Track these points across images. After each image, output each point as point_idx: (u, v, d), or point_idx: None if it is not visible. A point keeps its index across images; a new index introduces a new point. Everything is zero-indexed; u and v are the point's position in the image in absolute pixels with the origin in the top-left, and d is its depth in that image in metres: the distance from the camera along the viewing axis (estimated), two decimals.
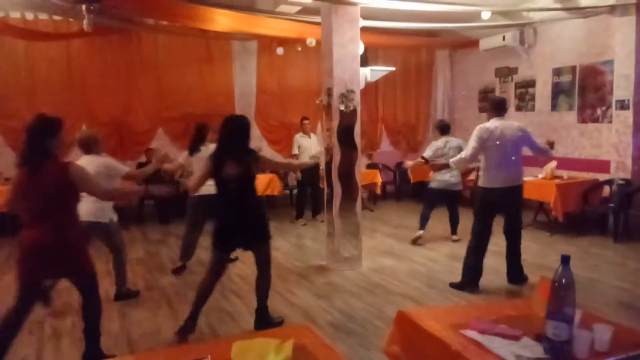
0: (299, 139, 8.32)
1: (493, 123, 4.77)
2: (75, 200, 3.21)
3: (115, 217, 4.74)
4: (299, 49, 9.23)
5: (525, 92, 8.99)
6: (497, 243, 6.71)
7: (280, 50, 9.31)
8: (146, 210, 8.61)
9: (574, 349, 1.84)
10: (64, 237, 3.13)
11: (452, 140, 6.76)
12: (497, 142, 4.68)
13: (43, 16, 8.11)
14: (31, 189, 3.06)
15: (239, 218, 3.80)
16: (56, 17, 8.11)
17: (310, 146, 8.27)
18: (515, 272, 5.09)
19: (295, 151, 8.27)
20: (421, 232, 6.83)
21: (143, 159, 8.80)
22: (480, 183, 4.96)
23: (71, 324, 4.21)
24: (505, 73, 9.42)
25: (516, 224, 5.05)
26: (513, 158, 4.79)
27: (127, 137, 9.00)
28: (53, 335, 4.00)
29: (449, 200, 6.90)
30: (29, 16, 8.07)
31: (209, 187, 3.99)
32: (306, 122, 8.36)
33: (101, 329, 3.50)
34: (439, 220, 7.37)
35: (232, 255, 5.52)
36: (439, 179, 6.76)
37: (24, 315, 3.23)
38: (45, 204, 3.08)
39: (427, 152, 6.69)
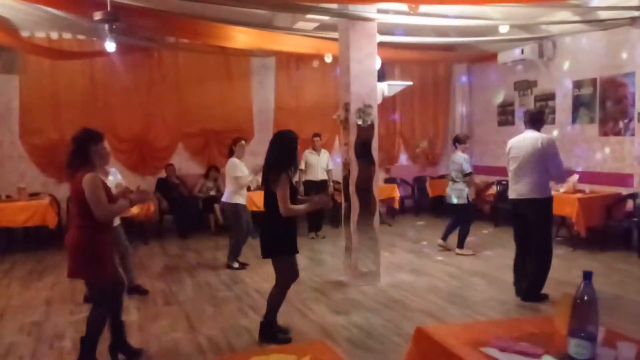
0: (307, 155, 8.38)
1: (521, 135, 4.99)
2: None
3: (118, 221, 5.03)
4: (315, 65, 9.30)
5: (545, 105, 8.90)
6: None
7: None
8: (165, 225, 8.68)
9: None
10: (83, 239, 3.40)
11: (456, 154, 7.01)
12: (515, 154, 4.90)
13: (67, 35, 8.34)
14: (70, 191, 3.51)
15: (261, 228, 4.12)
16: (80, 37, 8.34)
17: (317, 163, 8.31)
18: (525, 288, 4.98)
19: (302, 166, 8.33)
20: (440, 241, 7.23)
21: (163, 174, 8.92)
22: None
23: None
24: (524, 86, 9.35)
25: (536, 240, 4.93)
26: (528, 170, 4.79)
27: (148, 153, 9.13)
28: (73, 349, 4.03)
29: (454, 212, 7.10)
30: (54, 35, 8.31)
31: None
32: (316, 138, 8.42)
33: (97, 342, 3.57)
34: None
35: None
36: (446, 192, 7.16)
37: (112, 305, 3.69)
38: (73, 207, 3.48)
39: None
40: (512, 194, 4.99)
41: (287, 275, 4.05)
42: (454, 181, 6.93)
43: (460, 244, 6.97)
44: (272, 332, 4.08)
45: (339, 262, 6.30)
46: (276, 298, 4.09)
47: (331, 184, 8.47)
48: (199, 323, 4.58)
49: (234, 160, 6.34)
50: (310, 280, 5.92)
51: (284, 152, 3.93)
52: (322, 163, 8.37)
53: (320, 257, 7.15)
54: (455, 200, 6.91)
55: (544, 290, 4.97)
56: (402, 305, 4.94)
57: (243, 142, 6.55)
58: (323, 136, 9.55)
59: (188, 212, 8.67)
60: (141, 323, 4.61)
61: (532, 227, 4.90)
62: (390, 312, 4.76)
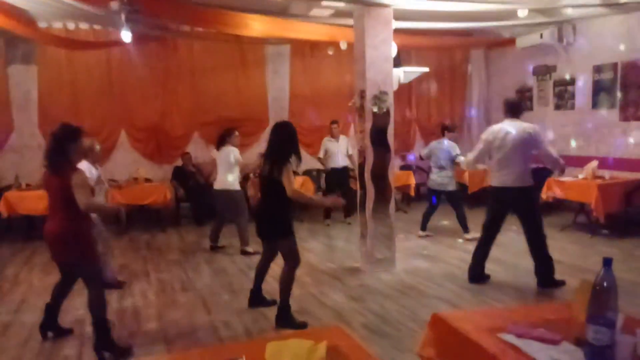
0: (327, 142, 8.38)
1: (501, 125, 4.96)
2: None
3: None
4: (330, 52, 9.25)
5: (564, 90, 8.75)
6: None
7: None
8: (182, 212, 8.77)
9: (616, 354, 1.78)
10: (69, 229, 3.56)
11: (443, 142, 7.10)
12: (500, 143, 4.86)
13: (84, 26, 8.39)
14: (50, 186, 3.60)
15: (261, 213, 4.33)
16: (96, 27, 8.39)
17: (337, 150, 8.31)
18: (540, 274, 5.01)
19: (322, 155, 8.38)
20: (421, 232, 7.35)
21: (179, 162, 8.98)
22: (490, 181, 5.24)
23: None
24: (543, 71, 9.19)
25: (529, 227, 4.98)
26: (516, 159, 4.80)
27: (164, 141, 9.20)
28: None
29: (447, 200, 7.15)
30: (71, 26, 8.37)
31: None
32: (334, 125, 8.39)
33: (107, 321, 3.74)
34: (476, 222, 7.21)
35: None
36: (430, 179, 7.28)
37: (65, 287, 3.99)
38: (56, 201, 3.59)
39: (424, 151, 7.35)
40: (494, 182, 5.02)
41: (295, 255, 4.21)
42: (443, 169, 7.03)
43: (466, 229, 7.02)
44: (288, 316, 4.14)
45: (355, 248, 6.31)
46: (287, 280, 4.20)
47: (354, 169, 8.41)
48: (216, 309, 4.64)
49: (230, 148, 6.49)
50: (326, 266, 5.94)
51: (286, 144, 4.11)
52: (342, 149, 8.36)
53: (336, 243, 7.17)
54: (448, 188, 7.04)
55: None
56: (417, 292, 4.94)
57: (237, 132, 6.68)
58: (340, 123, 9.52)
59: (204, 200, 8.72)
60: (160, 309, 4.68)
61: (520, 214, 4.96)
62: (405, 298, 4.77)
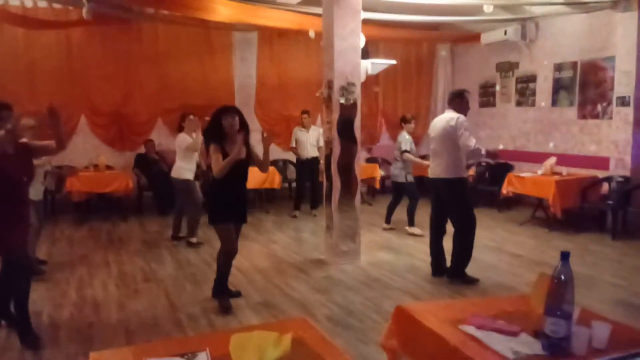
0: (297, 132, 8.38)
1: (439, 116, 5.20)
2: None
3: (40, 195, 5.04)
4: (299, 40, 9.19)
5: (526, 87, 8.96)
6: (493, 239, 6.76)
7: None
8: (145, 201, 8.59)
9: (572, 346, 1.84)
10: None
11: (401, 134, 7.16)
12: (433, 135, 5.05)
13: (42, 4, 8.05)
14: None
15: (239, 195, 4.31)
16: (56, 5, 8.05)
17: (306, 140, 8.30)
18: (436, 264, 5.19)
19: (293, 144, 8.39)
20: (385, 225, 7.43)
21: (142, 150, 8.78)
22: None
23: (69, 315, 4.21)
24: (506, 68, 9.39)
25: (453, 219, 5.03)
26: (442, 150, 4.90)
27: (127, 127, 8.96)
28: (50, 326, 4.00)
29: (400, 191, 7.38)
30: (28, 3, 8.02)
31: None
32: (304, 115, 8.37)
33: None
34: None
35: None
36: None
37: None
38: None
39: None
40: (429, 173, 5.13)
41: (223, 243, 4.29)
42: (396, 160, 7.14)
43: (410, 221, 7.10)
44: (222, 290, 4.41)
45: (320, 240, 6.33)
46: (220, 263, 4.38)
47: (322, 160, 8.42)
48: (178, 300, 4.57)
49: (183, 135, 6.37)
50: (291, 258, 5.94)
51: (210, 125, 4.22)
52: (311, 140, 8.34)
53: (302, 235, 7.17)
54: (398, 179, 7.14)
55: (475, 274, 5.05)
56: (381, 284, 5.00)
57: (192, 116, 6.45)
58: (309, 113, 9.49)
59: (167, 189, 8.55)
60: (120, 299, 4.58)
61: (447, 207, 5.02)
62: (370, 290, 4.82)
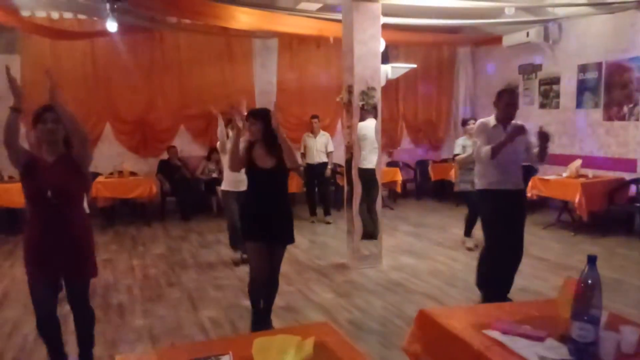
0: (305, 138, 8.38)
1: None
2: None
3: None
4: (319, 46, 9.23)
5: (549, 89, 8.83)
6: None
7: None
8: (168, 207, 8.70)
9: (600, 351, 1.81)
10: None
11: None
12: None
13: (68, 15, 8.25)
14: None
15: (273, 209, 3.71)
16: (81, 16, 8.24)
17: (313, 146, 8.24)
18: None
19: (302, 150, 8.35)
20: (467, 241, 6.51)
21: (165, 156, 8.91)
22: None
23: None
24: (529, 70, 9.27)
25: None
26: None
27: (150, 134, 9.10)
28: None
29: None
30: (55, 15, 8.22)
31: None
32: (314, 120, 8.33)
33: None
34: (463, 220, 7.26)
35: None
36: None
37: None
38: None
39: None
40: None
41: (250, 267, 3.91)
42: (460, 168, 6.45)
43: (466, 231, 6.51)
44: (260, 327, 3.77)
45: (341, 245, 6.32)
46: (248, 290, 3.92)
47: (330, 166, 8.41)
48: (201, 304, 4.61)
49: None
50: (312, 262, 5.95)
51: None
52: (318, 145, 8.26)
53: (322, 239, 7.17)
54: (461, 187, 6.37)
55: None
56: (403, 288, 4.97)
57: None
58: (326, 118, 9.51)
59: (190, 194, 8.68)
60: (145, 304, 4.65)
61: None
62: (391, 294, 4.79)
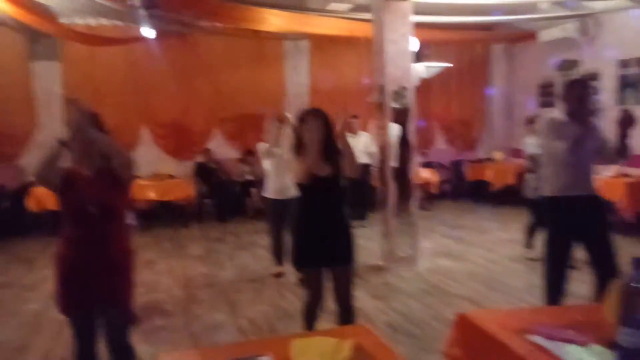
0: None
1: None
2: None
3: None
4: (350, 47, 9.22)
5: None
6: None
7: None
8: (205, 209, 8.85)
9: None
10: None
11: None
12: None
13: (105, 22, 8.48)
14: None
15: (326, 226, 3.23)
16: (117, 23, 8.47)
17: (355, 146, 8.09)
18: None
19: None
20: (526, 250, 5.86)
21: (200, 159, 9.06)
22: None
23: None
24: (566, 66, 9.03)
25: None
26: None
27: (186, 137, 9.27)
28: None
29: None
30: (92, 22, 8.46)
31: None
32: (354, 120, 8.25)
33: None
34: (501, 221, 7.14)
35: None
36: None
37: None
38: None
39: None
40: None
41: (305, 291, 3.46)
42: (529, 171, 5.74)
43: (527, 242, 5.85)
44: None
45: (376, 246, 6.29)
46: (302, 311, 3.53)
47: (373, 167, 8.31)
48: (239, 305, 4.68)
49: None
50: None
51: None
52: (360, 146, 8.17)
53: (358, 241, 7.13)
54: (528, 194, 5.66)
55: None
56: (441, 291, 4.92)
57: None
58: (358, 118, 9.47)
59: (226, 196, 8.80)
60: (184, 304, 4.74)
61: None
62: (429, 297, 4.75)
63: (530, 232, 5.77)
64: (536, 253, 5.49)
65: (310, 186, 3.13)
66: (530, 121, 5.96)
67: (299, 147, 3.17)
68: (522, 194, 5.91)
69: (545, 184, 3.76)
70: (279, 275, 5.36)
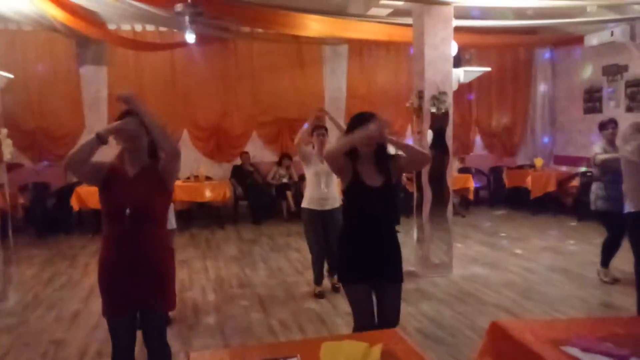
0: None
1: None
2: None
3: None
4: (389, 51, 9.18)
5: (637, 91, 8.26)
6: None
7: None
8: (240, 210, 8.96)
9: None
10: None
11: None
12: None
13: (150, 28, 8.75)
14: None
15: (375, 240, 2.91)
16: (162, 29, 8.72)
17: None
18: None
19: None
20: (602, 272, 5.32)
21: (238, 161, 9.19)
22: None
23: (171, 316, 4.48)
24: (613, 71, 8.72)
25: None
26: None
27: (224, 140, 9.43)
28: None
29: None
30: (138, 28, 8.75)
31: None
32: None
33: None
34: (539, 229, 6.95)
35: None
36: None
37: None
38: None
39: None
40: None
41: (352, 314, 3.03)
42: (596, 180, 5.27)
43: (602, 262, 5.30)
44: None
45: (409, 252, 6.22)
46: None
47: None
48: (271, 306, 4.71)
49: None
50: None
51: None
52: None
53: None
54: (598, 206, 5.18)
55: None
56: (475, 299, 4.82)
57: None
58: (396, 123, 9.42)
59: (261, 199, 8.90)
60: (217, 304, 4.81)
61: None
62: (462, 304, 4.66)
63: (606, 249, 5.23)
64: (612, 275, 5.19)
65: (363, 196, 2.86)
66: (603, 127, 5.37)
67: (351, 154, 2.87)
68: (588, 207, 5.47)
69: (629, 199, 3.55)
70: (319, 295, 4.91)
